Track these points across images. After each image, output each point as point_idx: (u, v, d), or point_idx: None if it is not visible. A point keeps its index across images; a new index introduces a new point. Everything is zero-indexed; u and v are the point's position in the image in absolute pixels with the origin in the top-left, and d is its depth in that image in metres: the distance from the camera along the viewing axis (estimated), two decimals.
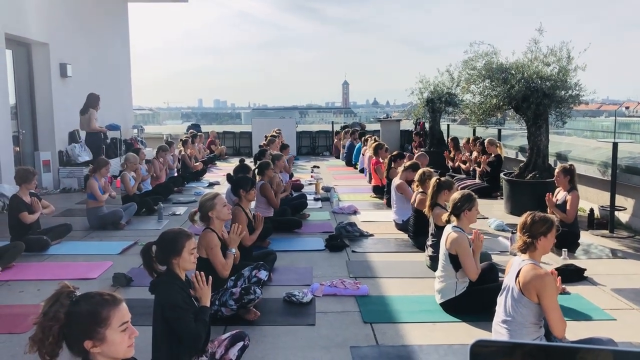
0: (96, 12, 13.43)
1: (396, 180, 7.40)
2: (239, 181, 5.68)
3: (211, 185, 11.29)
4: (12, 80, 10.01)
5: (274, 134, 12.88)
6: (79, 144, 11.26)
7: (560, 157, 9.20)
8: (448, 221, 4.56)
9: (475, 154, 10.67)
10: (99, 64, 13.28)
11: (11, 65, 9.99)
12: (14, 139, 9.84)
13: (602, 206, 7.60)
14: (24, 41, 10.33)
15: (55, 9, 11.11)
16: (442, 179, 5.59)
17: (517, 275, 3.30)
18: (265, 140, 11.86)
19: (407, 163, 7.58)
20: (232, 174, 6.29)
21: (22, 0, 9.86)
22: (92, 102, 11.06)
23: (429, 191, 5.52)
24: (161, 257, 3.21)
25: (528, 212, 3.46)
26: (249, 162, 8.15)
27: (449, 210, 4.55)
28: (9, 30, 9.39)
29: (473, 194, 4.56)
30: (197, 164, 12.37)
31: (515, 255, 3.80)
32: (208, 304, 3.22)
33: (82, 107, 11.08)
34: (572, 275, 5.17)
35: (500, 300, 3.49)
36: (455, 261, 4.33)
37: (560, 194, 6.46)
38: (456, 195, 4.54)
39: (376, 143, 10.34)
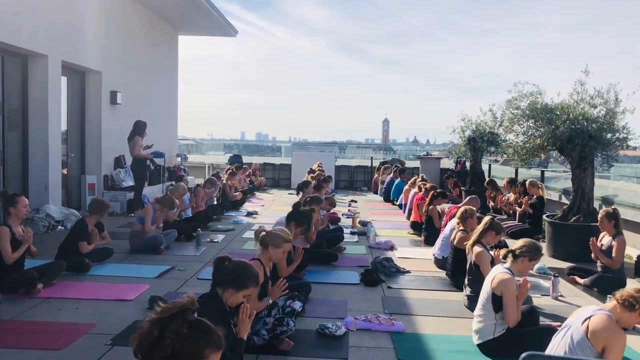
0: (148, 44, 13.95)
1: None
2: (297, 216, 5.95)
3: (249, 214, 11.40)
4: (65, 106, 10.43)
5: (319, 170, 12.91)
6: (123, 169, 11.57)
7: (607, 201, 8.95)
8: (505, 257, 4.46)
9: (514, 195, 10.48)
10: (148, 93, 13.74)
11: (65, 91, 10.43)
12: (62, 162, 10.18)
13: None
14: (78, 69, 10.79)
15: (109, 39, 11.60)
16: (496, 220, 5.54)
17: (587, 319, 3.18)
18: (314, 173, 11.90)
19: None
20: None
21: (80, 30, 10.35)
22: (138, 129, 11.39)
23: (479, 227, 5.44)
24: (224, 279, 3.25)
25: None
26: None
27: (513, 249, 4.44)
28: (66, 59, 9.83)
29: (542, 249, 4.49)
30: (237, 193, 12.51)
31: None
32: (245, 337, 3.23)
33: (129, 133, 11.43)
34: None
35: (555, 339, 3.34)
36: (497, 302, 4.21)
37: (605, 239, 6.26)
38: (528, 240, 4.44)
39: (431, 187, 9.59)
